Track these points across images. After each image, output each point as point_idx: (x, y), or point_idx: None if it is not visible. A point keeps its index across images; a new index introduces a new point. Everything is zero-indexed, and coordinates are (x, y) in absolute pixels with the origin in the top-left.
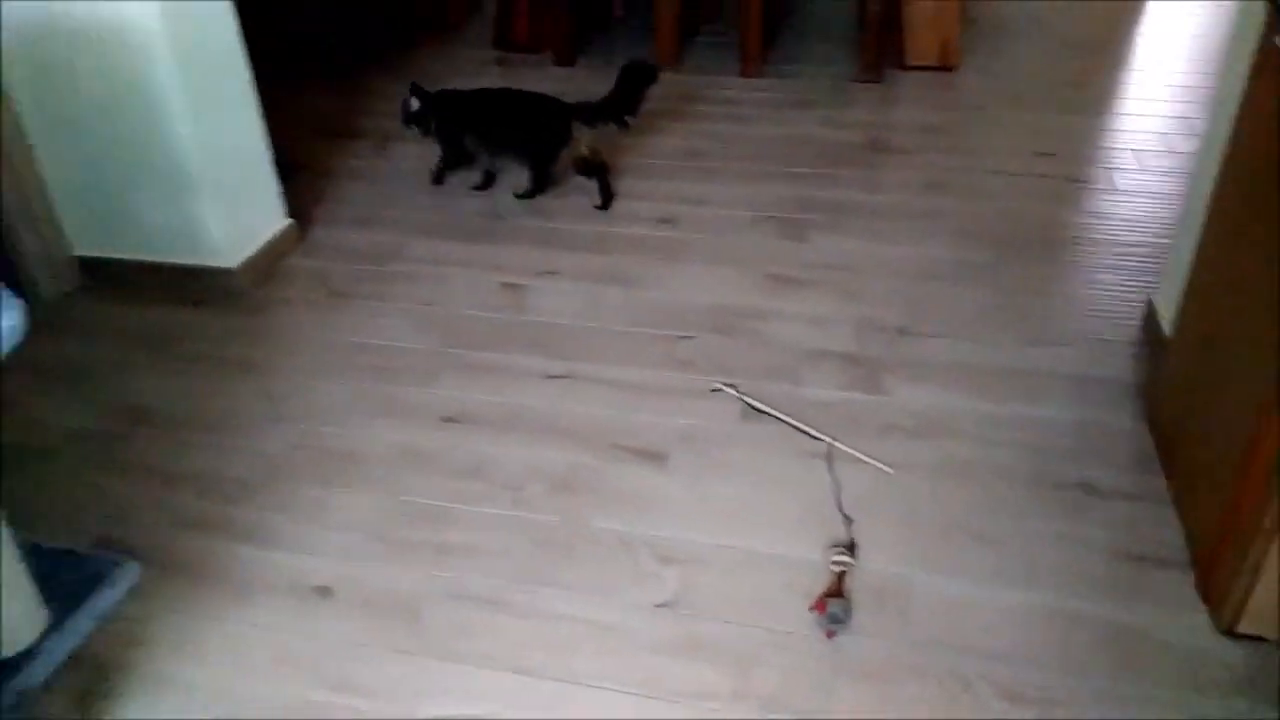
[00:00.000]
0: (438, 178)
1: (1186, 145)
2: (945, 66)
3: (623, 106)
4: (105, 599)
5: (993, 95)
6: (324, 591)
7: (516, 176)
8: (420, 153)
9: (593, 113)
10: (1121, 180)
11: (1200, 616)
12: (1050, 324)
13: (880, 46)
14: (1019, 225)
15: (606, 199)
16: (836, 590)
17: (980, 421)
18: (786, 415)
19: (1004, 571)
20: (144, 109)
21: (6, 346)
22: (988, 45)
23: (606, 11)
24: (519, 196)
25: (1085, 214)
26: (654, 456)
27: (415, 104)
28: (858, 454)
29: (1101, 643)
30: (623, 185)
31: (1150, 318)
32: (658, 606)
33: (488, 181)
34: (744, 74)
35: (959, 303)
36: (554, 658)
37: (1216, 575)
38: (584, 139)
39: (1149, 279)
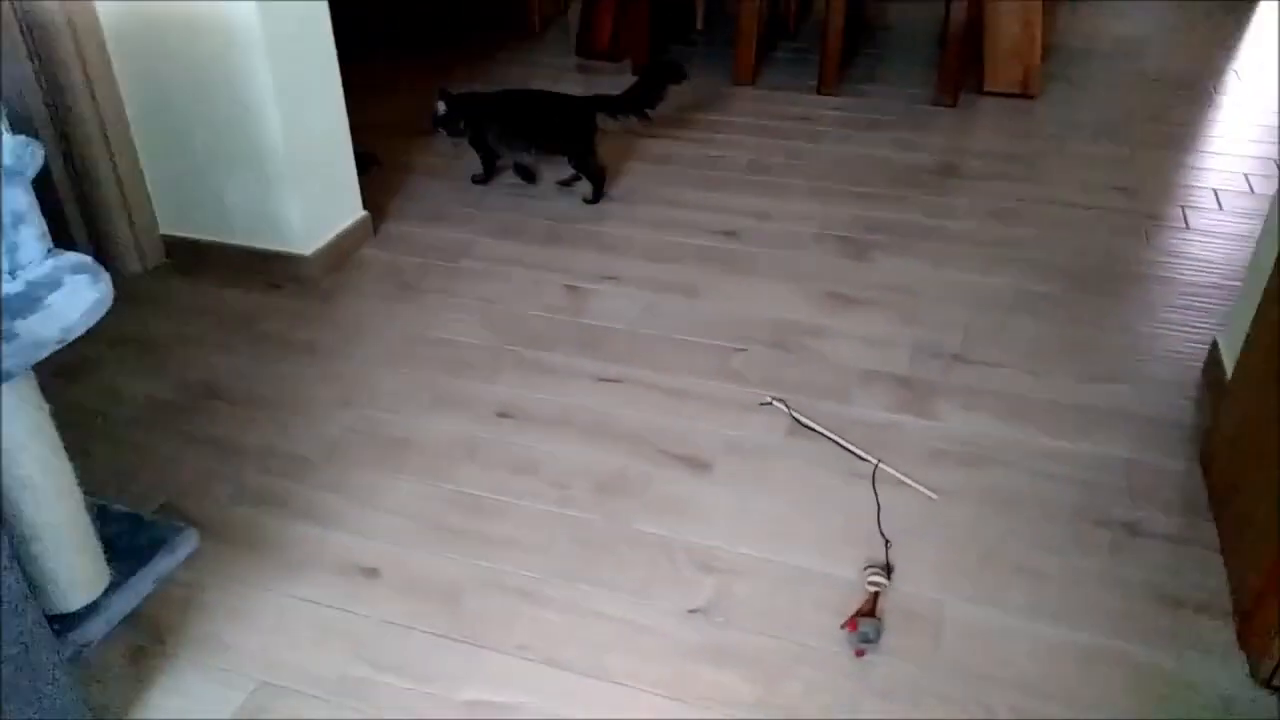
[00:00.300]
0: (482, 178)
1: (1269, 188)
2: (1025, 94)
3: (644, 101)
4: (165, 563)
5: (1071, 126)
6: (371, 572)
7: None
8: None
9: (615, 105)
10: (1198, 219)
11: (1238, 666)
12: (1110, 360)
13: (958, 70)
14: (1087, 259)
15: (573, 181)
16: (870, 610)
17: (1029, 453)
18: (834, 433)
19: (1040, 605)
20: (237, 100)
21: (93, 317)
22: (1070, 74)
23: (688, 24)
24: (588, 201)
25: (1157, 251)
26: (699, 465)
27: (443, 107)
28: (903, 477)
29: (1134, 684)
30: (688, 196)
31: (1213, 361)
32: (691, 612)
33: (528, 176)
34: (819, 91)
35: (1019, 333)
36: (586, 653)
37: (1258, 625)
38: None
39: (1216, 321)
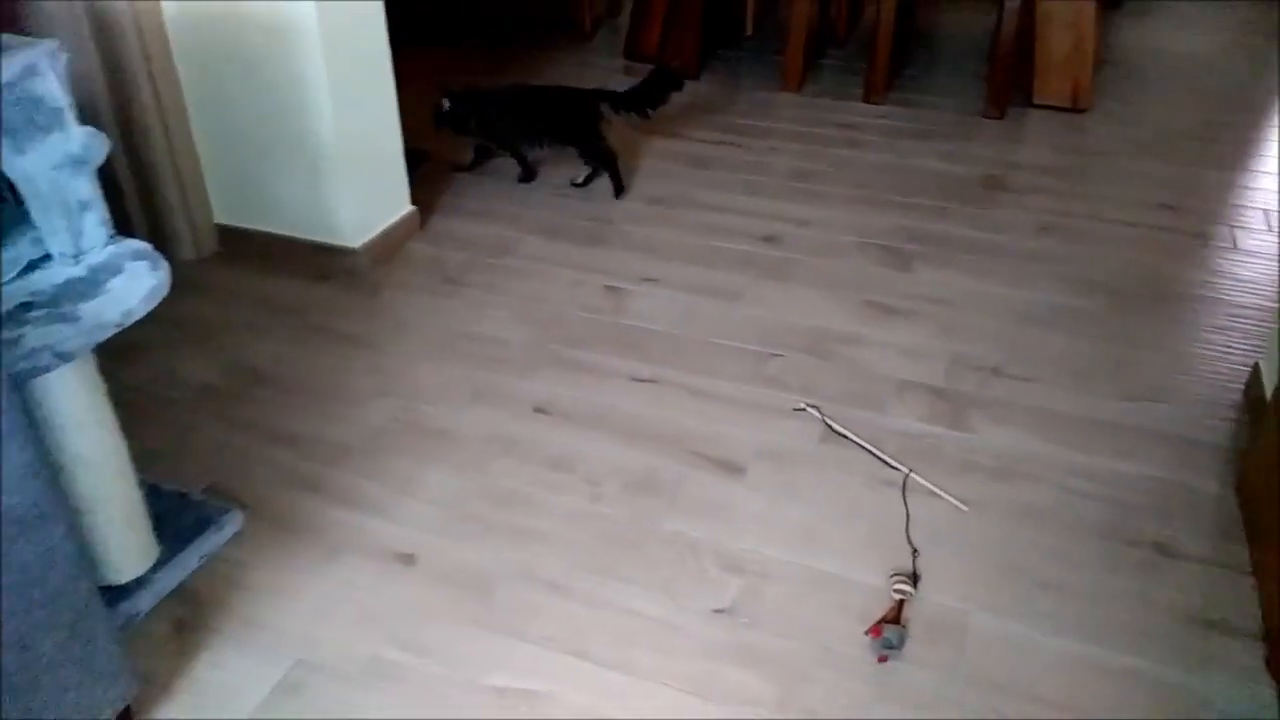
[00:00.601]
0: (526, 176)
1: None
2: (1075, 108)
3: (646, 101)
4: (210, 542)
5: (1120, 141)
6: (407, 559)
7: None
8: (542, 154)
9: (618, 100)
10: (1246, 240)
11: (1266, 690)
12: (1149, 379)
13: (1007, 82)
14: (1130, 276)
15: (589, 180)
16: (894, 617)
17: (1062, 470)
18: (867, 442)
19: (1065, 620)
20: (293, 97)
21: (151, 302)
22: (1121, 89)
23: (738, 29)
24: (577, 185)
25: (1202, 271)
26: (731, 468)
27: (446, 104)
28: (933, 488)
29: (1156, 704)
30: (731, 201)
31: (1254, 383)
32: (716, 611)
33: (528, 175)
34: (866, 100)
35: (1057, 349)
36: (611, 647)
37: None
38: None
39: (1259, 343)
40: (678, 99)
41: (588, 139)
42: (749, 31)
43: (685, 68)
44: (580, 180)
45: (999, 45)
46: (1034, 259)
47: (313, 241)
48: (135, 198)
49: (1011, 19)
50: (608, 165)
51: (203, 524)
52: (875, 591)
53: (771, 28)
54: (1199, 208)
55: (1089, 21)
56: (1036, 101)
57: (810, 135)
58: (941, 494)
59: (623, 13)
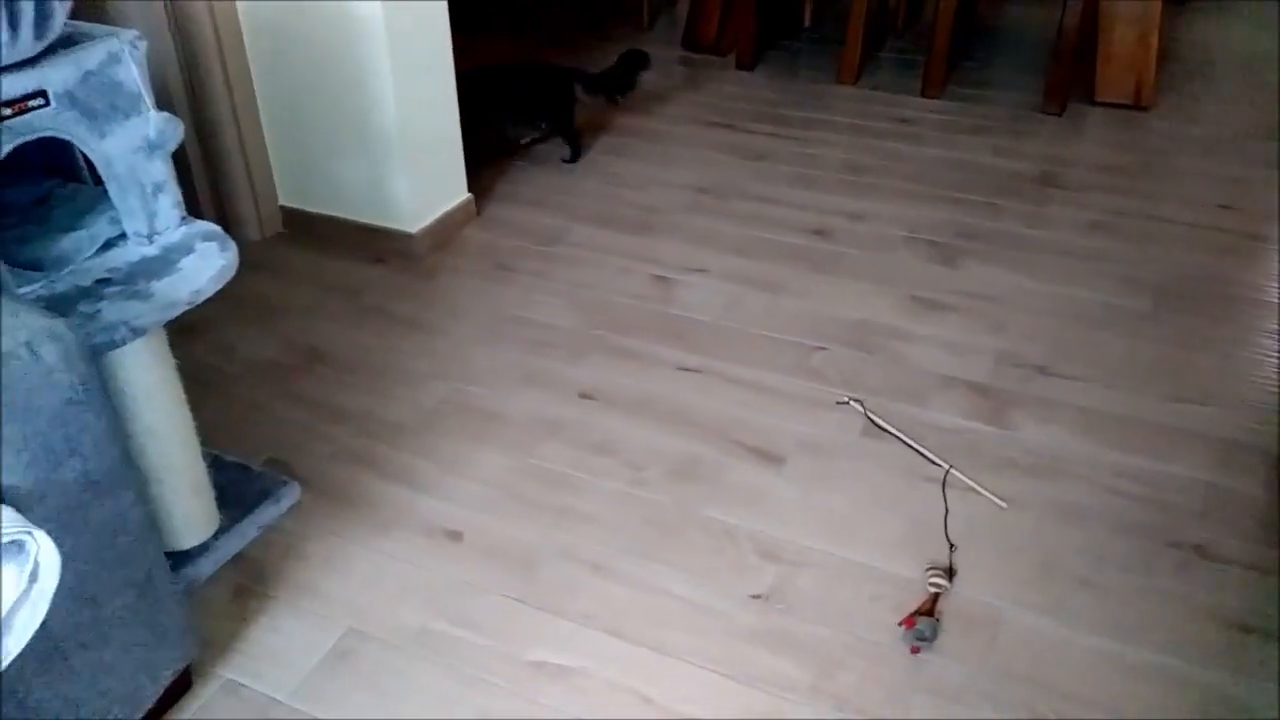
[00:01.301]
0: (570, 158)
1: None
2: (1138, 105)
3: (617, 85)
4: (269, 513)
5: (1181, 140)
6: (454, 535)
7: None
8: (596, 144)
9: (590, 81)
10: None
11: None
12: (1198, 382)
13: (1067, 78)
14: (1184, 277)
15: (575, 154)
16: (929, 609)
17: (1103, 469)
18: (908, 436)
19: (1101, 619)
20: (358, 87)
21: (220, 282)
22: (1186, 86)
23: (796, 20)
24: (567, 161)
25: (1258, 273)
26: (772, 458)
27: None
28: (973, 484)
29: (1191, 706)
30: (781, 193)
31: None
32: (752, 597)
33: (511, 148)
34: (923, 94)
35: (1105, 348)
36: (648, 627)
37: None
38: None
39: None
40: (731, 90)
41: (561, 117)
42: (807, 22)
43: (644, 54)
44: (532, 139)
45: (1061, 40)
46: (1085, 257)
47: (372, 225)
48: (205, 180)
49: (1075, 13)
50: (573, 143)
51: (262, 495)
52: (910, 584)
53: (830, 19)
54: (1258, 209)
55: (1154, 17)
56: (1098, 99)
57: (864, 128)
58: (981, 490)
59: (681, 2)
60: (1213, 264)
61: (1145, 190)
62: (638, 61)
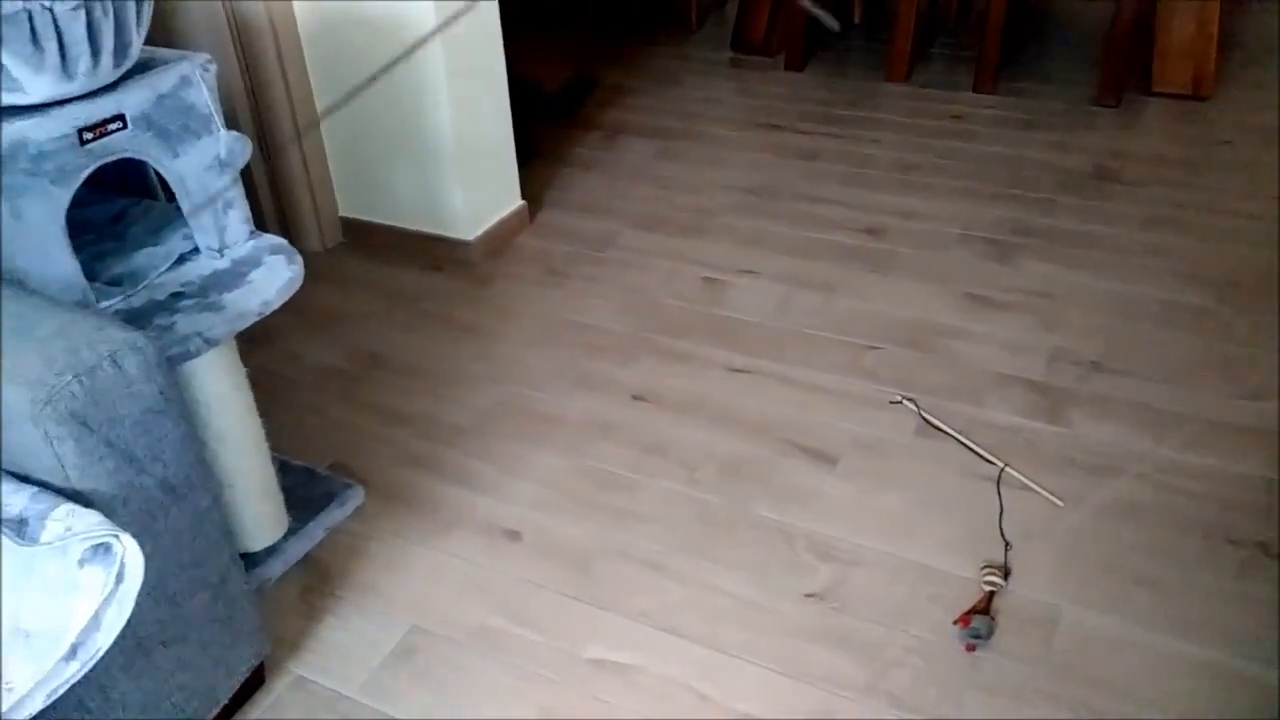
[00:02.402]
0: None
1: None
2: (1197, 96)
3: (562, 106)
4: (335, 515)
5: (1243, 131)
6: (513, 535)
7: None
8: (646, 148)
9: (541, 100)
10: None
11: None
12: (1257, 377)
13: (1123, 70)
14: (1245, 272)
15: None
16: (984, 608)
17: (1162, 467)
18: (962, 435)
19: (1160, 618)
20: (413, 97)
21: (287, 293)
22: (1248, 75)
23: (846, 18)
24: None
25: None
26: (825, 458)
27: None
28: (1029, 482)
29: (1247, 703)
30: (832, 192)
31: None
32: (806, 596)
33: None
34: (976, 89)
35: (1164, 345)
36: (703, 624)
37: None
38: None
39: None
40: (781, 91)
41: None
42: (857, 20)
43: (592, 75)
44: None
45: (1116, 29)
46: (1143, 253)
47: (429, 234)
48: (269, 194)
49: (1130, 2)
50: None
51: (328, 498)
52: (965, 583)
53: (880, 16)
54: None
55: (1214, 4)
56: (1155, 90)
57: (916, 126)
58: (1037, 488)
59: (729, 3)
60: (1274, 258)
61: (1205, 183)
62: (583, 84)
